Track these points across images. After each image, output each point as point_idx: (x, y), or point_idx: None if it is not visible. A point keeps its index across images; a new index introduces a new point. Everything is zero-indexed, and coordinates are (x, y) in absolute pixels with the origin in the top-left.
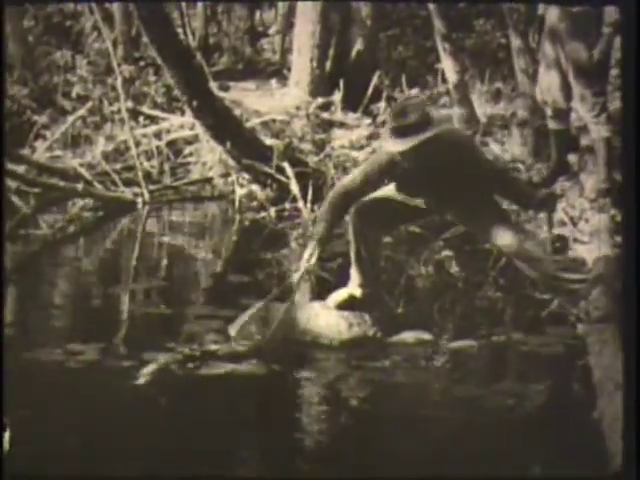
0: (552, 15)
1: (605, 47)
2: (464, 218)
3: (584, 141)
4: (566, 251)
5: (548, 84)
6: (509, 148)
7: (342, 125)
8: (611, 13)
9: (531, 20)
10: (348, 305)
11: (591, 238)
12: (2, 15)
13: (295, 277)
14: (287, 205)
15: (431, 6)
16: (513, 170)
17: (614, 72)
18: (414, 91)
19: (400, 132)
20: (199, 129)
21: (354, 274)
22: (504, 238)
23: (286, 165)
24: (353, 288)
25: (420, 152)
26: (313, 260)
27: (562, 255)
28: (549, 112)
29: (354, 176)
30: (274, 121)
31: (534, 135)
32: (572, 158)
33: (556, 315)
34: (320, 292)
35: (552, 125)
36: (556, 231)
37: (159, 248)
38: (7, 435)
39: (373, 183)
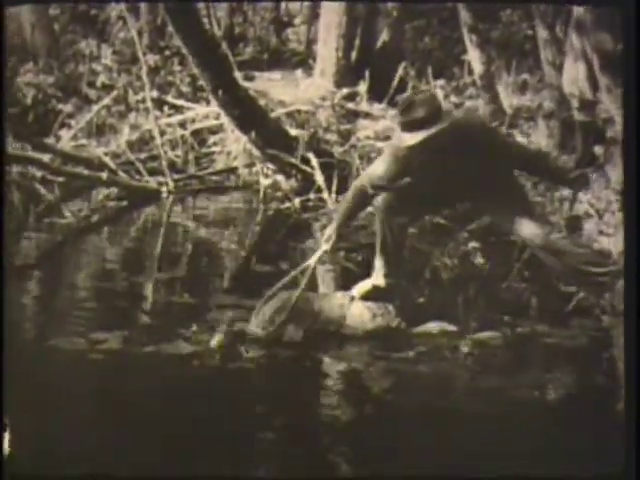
0: (579, 9)
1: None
2: (490, 209)
3: (610, 133)
4: (589, 241)
5: (574, 76)
6: (535, 140)
7: (367, 116)
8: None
9: (557, 12)
10: (372, 296)
11: (616, 230)
12: (2, 15)
13: (313, 259)
14: (312, 195)
15: None
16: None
17: None
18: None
19: (409, 126)
20: (224, 119)
21: (378, 264)
22: (530, 230)
23: (311, 155)
24: (377, 279)
25: (435, 145)
26: (331, 243)
27: (588, 247)
28: (575, 104)
29: (377, 166)
30: (299, 111)
31: (560, 127)
32: (598, 150)
33: (581, 307)
34: (345, 283)
35: (578, 117)
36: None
37: (183, 237)
38: (7, 435)
39: (395, 175)
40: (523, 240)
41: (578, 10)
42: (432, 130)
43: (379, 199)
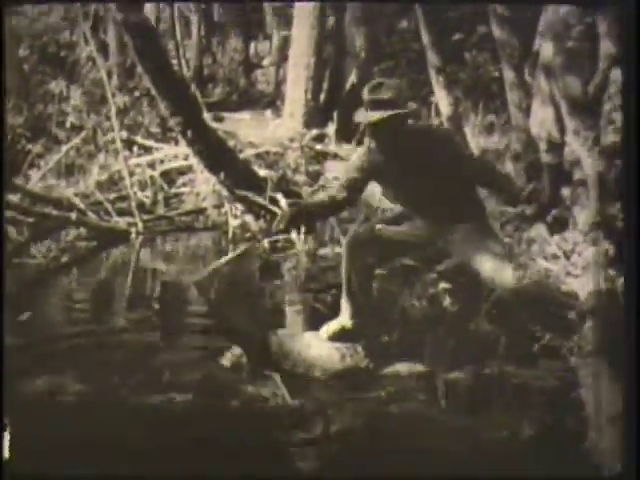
0: (547, 50)
1: (600, 82)
2: (457, 248)
3: (577, 175)
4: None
5: (542, 118)
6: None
7: (336, 157)
8: (607, 47)
9: (525, 54)
10: (341, 336)
11: (584, 272)
12: (2, 15)
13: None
14: (280, 236)
15: (425, 39)
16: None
17: (607, 106)
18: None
19: (374, 105)
20: (193, 160)
21: (345, 305)
22: (497, 271)
23: (280, 196)
24: (345, 319)
25: (398, 145)
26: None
27: (555, 290)
28: (543, 146)
29: (338, 185)
30: (268, 152)
31: (527, 169)
32: (565, 192)
33: (549, 348)
34: (313, 323)
35: (546, 159)
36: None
37: (152, 278)
38: (7, 435)
39: (357, 188)
40: (491, 281)
41: (546, 53)
42: (395, 111)
43: (345, 241)
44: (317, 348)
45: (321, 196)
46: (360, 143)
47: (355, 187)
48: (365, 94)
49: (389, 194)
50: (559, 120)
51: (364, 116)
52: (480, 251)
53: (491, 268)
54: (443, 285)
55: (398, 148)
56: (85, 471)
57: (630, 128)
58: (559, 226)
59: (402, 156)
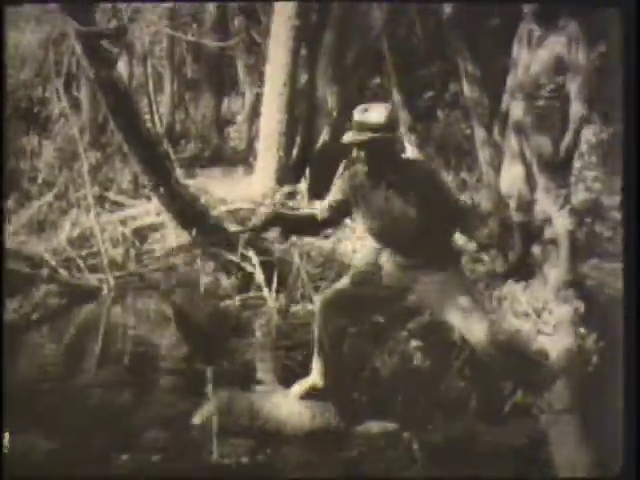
0: (517, 109)
1: (571, 141)
2: (429, 302)
3: (547, 233)
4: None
5: (513, 177)
6: (475, 239)
7: None
8: (578, 108)
9: (495, 112)
10: (311, 395)
11: (555, 330)
12: (2, 15)
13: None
14: (252, 294)
15: (396, 97)
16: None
17: (578, 164)
18: None
19: (362, 128)
20: (165, 216)
21: (316, 364)
22: (475, 332)
23: (251, 253)
24: (315, 378)
25: (382, 171)
26: None
27: (526, 347)
28: (513, 204)
29: (321, 206)
30: (240, 209)
31: (499, 226)
32: (536, 250)
33: (519, 406)
34: (285, 381)
35: (516, 217)
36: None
37: (123, 335)
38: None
39: (339, 210)
40: (462, 337)
41: (516, 112)
42: (377, 135)
43: (317, 300)
44: (288, 407)
45: (305, 212)
46: None
47: (338, 209)
48: (354, 116)
49: (367, 223)
50: (530, 179)
51: (351, 137)
52: (453, 304)
53: (462, 323)
54: (414, 343)
55: (382, 174)
56: None
57: (630, 129)
58: (530, 284)
59: (385, 183)
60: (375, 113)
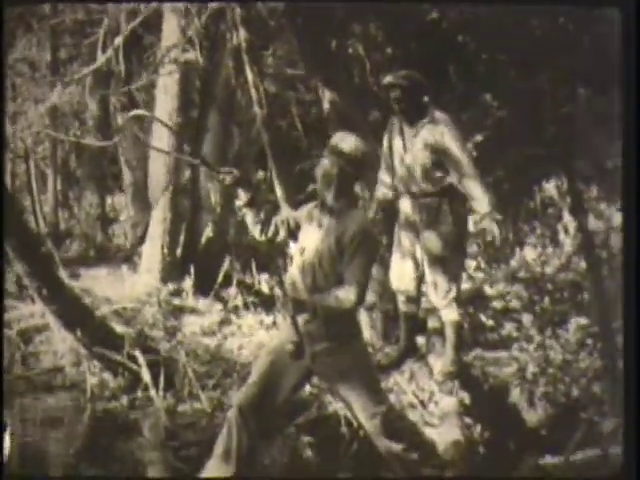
0: (406, 206)
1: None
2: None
3: (431, 323)
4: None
5: (402, 272)
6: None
7: (193, 311)
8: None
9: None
10: None
11: (441, 421)
12: (2, 15)
13: None
14: (139, 393)
15: (279, 192)
16: None
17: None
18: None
19: (334, 154)
20: (49, 317)
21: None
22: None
23: (137, 353)
24: None
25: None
26: None
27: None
28: (402, 297)
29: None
30: (125, 308)
31: (383, 318)
32: (420, 340)
33: None
34: None
35: (403, 308)
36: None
37: (10, 441)
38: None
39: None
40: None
41: (405, 210)
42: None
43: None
44: None
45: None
46: (217, 297)
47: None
48: (330, 142)
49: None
50: (419, 273)
51: (322, 164)
52: (349, 382)
53: (356, 403)
54: (303, 439)
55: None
56: None
57: (630, 131)
58: (415, 375)
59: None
60: (345, 141)
